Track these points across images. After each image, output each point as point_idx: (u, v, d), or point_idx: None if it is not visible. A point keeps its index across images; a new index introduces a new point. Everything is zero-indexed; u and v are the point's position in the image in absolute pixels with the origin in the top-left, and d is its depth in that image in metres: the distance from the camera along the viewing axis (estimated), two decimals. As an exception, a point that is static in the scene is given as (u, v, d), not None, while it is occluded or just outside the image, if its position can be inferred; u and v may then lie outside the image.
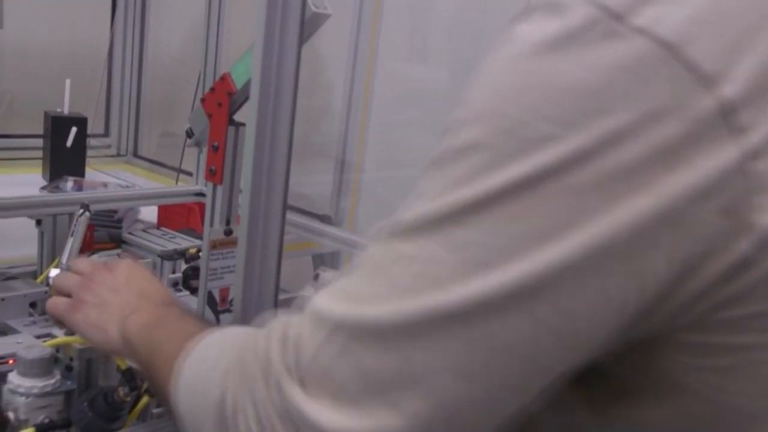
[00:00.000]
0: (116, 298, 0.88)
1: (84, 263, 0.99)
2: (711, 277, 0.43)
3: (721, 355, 0.46)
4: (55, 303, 0.95)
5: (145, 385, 1.07)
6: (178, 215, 1.94)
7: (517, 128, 0.43)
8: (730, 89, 0.41)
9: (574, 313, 0.44)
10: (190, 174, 2.31)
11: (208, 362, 0.60)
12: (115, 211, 1.89)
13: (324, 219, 2.07)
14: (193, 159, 2.16)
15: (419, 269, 0.44)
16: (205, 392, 0.56)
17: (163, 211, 1.97)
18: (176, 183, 2.43)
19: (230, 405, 0.52)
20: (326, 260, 1.97)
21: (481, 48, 2.32)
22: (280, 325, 0.51)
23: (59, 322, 0.98)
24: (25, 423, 0.93)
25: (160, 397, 0.73)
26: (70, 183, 2.10)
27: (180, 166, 2.45)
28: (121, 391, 0.97)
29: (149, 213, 2.00)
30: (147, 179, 2.63)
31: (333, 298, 0.48)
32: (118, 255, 1.42)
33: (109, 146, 2.82)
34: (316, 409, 0.46)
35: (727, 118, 0.41)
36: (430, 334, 0.44)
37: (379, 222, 0.49)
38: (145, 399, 1.07)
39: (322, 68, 2.44)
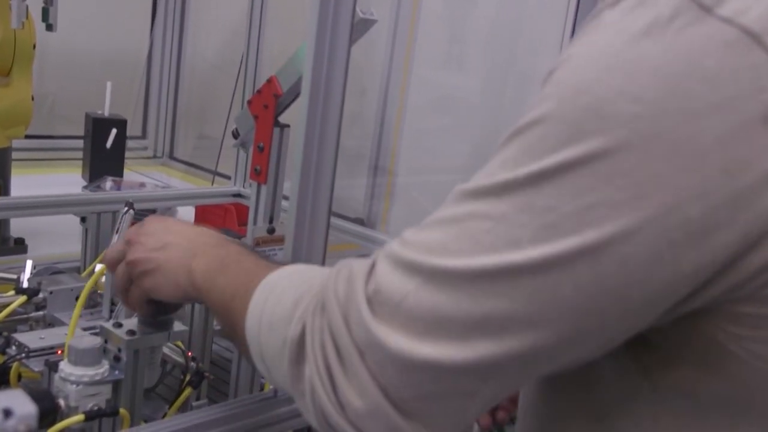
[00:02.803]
0: (168, 254, 0.86)
1: (119, 242, 0.97)
2: None
3: None
4: (117, 283, 0.94)
5: (187, 378, 1.10)
6: (214, 216, 1.98)
7: (601, 105, 0.46)
8: None
9: (640, 281, 0.46)
10: (225, 176, 2.36)
11: (285, 301, 0.62)
12: (154, 211, 1.93)
13: (357, 222, 2.10)
14: (228, 162, 2.21)
15: (494, 227, 0.48)
16: (284, 329, 0.59)
17: (200, 211, 2.02)
18: (212, 184, 2.48)
19: (310, 342, 0.56)
20: (358, 263, 1.99)
21: (514, 57, 2.35)
22: (362, 268, 0.54)
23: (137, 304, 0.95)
24: (75, 410, 0.95)
25: (235, 338, 0.73)
26: (109, 183, 2.15)
27: (216, 168, 2.49)
28: None
29: (186, 213, 2.04)
30: (182, 181, 2.69)
31: (417, 250, 0.51)
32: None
33: (146, 148, 2.88)
34: (401, 341, 0.50)
35: None
36: (501, 285, 0.48)
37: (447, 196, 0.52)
38: (187, 391, 1.10)
39: (355, 74, 2.47)
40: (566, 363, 0.52)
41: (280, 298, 0.63)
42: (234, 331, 0.72)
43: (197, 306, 1.18)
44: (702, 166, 0.45)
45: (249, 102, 1.16)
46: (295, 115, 0.94)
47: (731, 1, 0.45)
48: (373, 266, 0.54)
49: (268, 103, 1.11)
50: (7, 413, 0.62)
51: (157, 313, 0.98)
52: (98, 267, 1.33)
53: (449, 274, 0.49)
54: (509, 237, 0.47)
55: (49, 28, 1.62)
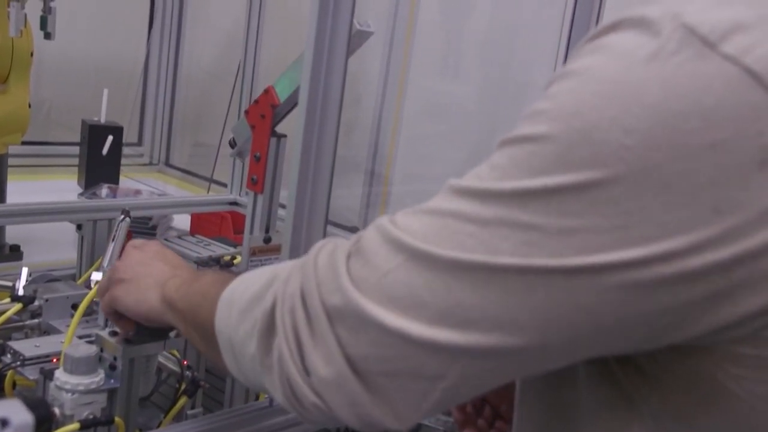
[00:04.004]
0: (149, 270, 0.88)
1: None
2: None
3: None
4: (99, 287, 0.97)
5: (182, 387, 1.11)
6: (210, 224, 1.98)
7: (592, 132, 0.45)
8: None
9: (615, 306, 0.46)
10: (220, 184, 2.36)
11: (257, 283, 0.61)
12: (150, 218, 1.94)
13: (352, 231, 2.10)
14: (224, 170, 2.21)
15: (476, 232, 0.48)
16: (255, 309, 0.59)
17: (195, 219, 2.02)
18: (207, 192, 2.48)
19: (280, 309, 0.56)
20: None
21: (510, 67, 2.36)
22: (346, 243, 0.56)
23: (112, 317, 0.97)
24: (70, 419, 0.95)
25: (203, 340, 0.72)
26: (105, 190, 2.14)
27: (212, 176, 2.49)
28: None
29: (181, 221, 2.05)
30: (178, 188, 2.69)
31: (403, 231, 0.52)
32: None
33: (141, 155, 2.88)
34: (376, 309, 0.51)
35: None
36: (475, 279, 0.48)
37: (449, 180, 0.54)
38: (183, 400, 1.10)
39: (351, 82, 2.48)
40: (537, 371, 0.53)
41: (252, 283, 0.63)
42: (203, 332, 0.71)
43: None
44: (691, 203, 0.44)
45: (246, 112, 1.17)
46: (292, 125, 0.95)
47: (735, 38, 0.44)
48: (358, 240, 0.55)
49: (265, 113, 1.12)
50: (4, 423, 0.62)
51: (136, 333, 0.98)
52: (94, 275, 1.33)
53: (429, 259, 0.50)
54: (490, 246, 0.48)
55: (48, 36, 1.63)
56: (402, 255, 0.51)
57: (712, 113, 0.44)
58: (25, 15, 1.53)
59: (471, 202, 0.49)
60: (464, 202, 0.50)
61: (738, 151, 0.43)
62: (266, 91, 1.12)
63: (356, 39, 1.03)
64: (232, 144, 1.25)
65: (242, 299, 0.62)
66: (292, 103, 1.09)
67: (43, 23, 1.62)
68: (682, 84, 0.44)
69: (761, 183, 0.43)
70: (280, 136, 1.15)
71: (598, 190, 0.45)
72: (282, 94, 1.11)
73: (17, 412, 0.64)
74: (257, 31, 1.72)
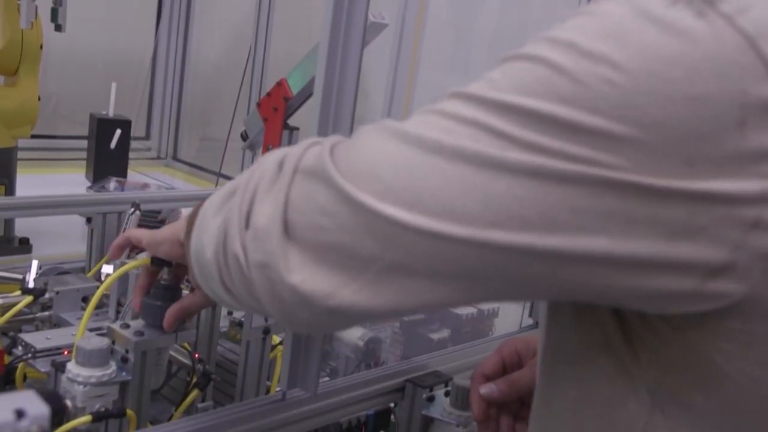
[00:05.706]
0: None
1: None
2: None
3: (762, 346, 0.48)
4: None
5: (194, 380, 1.10)
6: (219, 218, 1.97)
7: (584, 63, 0.47)
8: None
9: (571, 210, 0.47)
10: (228, 178, 2.35)
11: (243, 178, 0.64)
12: (159, 212, 1.93)
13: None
14: (232, 164, 2.21)
15: (450, 126, 0.50)
16: (233, 184, 0.62)
17: (204, 213, 2.01)
18: (215, 186, 2.47)
19: (252, 169, 0.59)
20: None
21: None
22: (330, 139, 0.58)
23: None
24: (82, 411, 0.95)
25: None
26: (113, 183, 2.14)
27: (220, 170, 2.49)
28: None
29: (190, 215, 2.04)
30: (186, 182, 2.69)
31: (393, 123, 0.54)
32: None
33: (149, 149, 2.88)
34: (338, 176, 0.53)
35: None
36: (438, 159, 0.49)
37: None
38: (194, 393, 1.10)
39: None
40: (476, 292, 0.53)
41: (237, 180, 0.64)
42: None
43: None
44: (665, 150, 0.45)
45: (258, 104, 1.16)
46: (304, 118, 0.94)
47: None
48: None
49: (278, 106, 1.11)
50: (20, 414, 0.62)
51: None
52: (104, 268, 1.33)
53: (400, 136, 0.51)
54: (460, 137, 0.49)
55: (58, 28, 1.63)
56: (380, 137, 0.53)
57: (698, 67, 0.45)
58: (36, 7, 1.53)
59: (454, 103, 0.51)
60: (449, 103, 0.52)
61: (718, 107, 0.44)
62: (279, 84, 1.12)
63: (371, 31, 1.03)
64: (244, 136, 1.25)
65: (229, 188, 0.64)
66: (304, 95, 1.09)
67: (54, 15, 1.62)
68: (676, 35, 0.45)
69: (737, 142, 0.44)
70: (293, 129, 1.15)
71: (575, 121, 0.46)
72: (295, 87, 1.11)
73: (33, 404, 0.64)
74: (267, 24, 1.72)
